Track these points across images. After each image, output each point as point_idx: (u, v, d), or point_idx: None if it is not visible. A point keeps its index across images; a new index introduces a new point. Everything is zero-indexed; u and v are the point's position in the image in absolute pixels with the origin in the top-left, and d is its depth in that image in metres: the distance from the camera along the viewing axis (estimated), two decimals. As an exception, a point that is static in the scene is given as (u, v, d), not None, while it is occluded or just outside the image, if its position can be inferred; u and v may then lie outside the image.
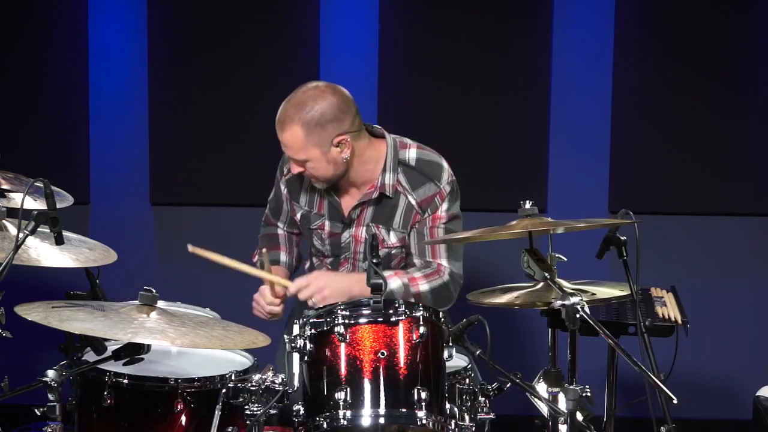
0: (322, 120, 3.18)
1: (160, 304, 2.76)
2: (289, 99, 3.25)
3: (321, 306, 2.81)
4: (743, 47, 4.62)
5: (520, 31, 4.66)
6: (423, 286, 3.28)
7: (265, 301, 3.32)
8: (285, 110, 3.23)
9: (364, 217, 3.39)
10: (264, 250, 3.32)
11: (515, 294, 3.01)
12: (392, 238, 3.37)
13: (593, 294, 3.04)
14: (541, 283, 2.90)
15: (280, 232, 3.59)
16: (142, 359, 2.71)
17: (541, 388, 2.90)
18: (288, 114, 3.21)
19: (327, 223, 3.43)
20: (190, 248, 3.20)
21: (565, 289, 2.74)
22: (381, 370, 2.59)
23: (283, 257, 3.56)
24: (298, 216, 3.49)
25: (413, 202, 3.34)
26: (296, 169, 3.30)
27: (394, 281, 3.24)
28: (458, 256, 3.38)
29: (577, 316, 2.66)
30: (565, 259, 3.06)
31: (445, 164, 3.37)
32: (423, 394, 2.58)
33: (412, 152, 3.37)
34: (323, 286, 3.21)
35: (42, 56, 4.77)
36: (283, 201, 3.54)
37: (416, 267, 3.36)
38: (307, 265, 3.62)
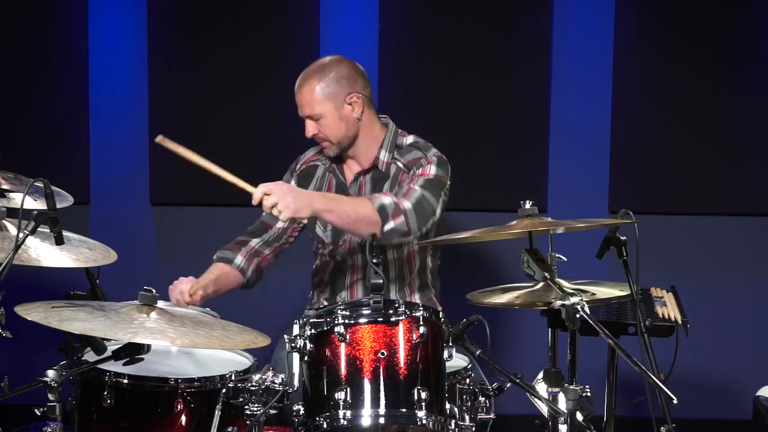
0: (337, 76, 3.44)
1: (160, 304, 2.75)
2: (308, 66, 3.49)
3: (284, 219, 3.10)
4: (743, 47, 4.61)
5: (520, 31, 4.66)
6: (406, 204, 3.32)
7: (184, 286, 3.34)
8: (303, 73, 3.48)
9: (363, 194, 3.47)
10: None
11: (515, 294, 3.01)
12: None
13: (593, 294, 3.04)
14: (541, 283, 2.90)
15: (252, 243, 3.60)
16: (142, 359, 2.71)
17: (541, 388, 2.90)
18: (306, 74, 3.47)
19: None
20: (158, 139, 3.27)
21: (565, 289, 2.74)
22: (381, 370, 2.60)
23: (239, 260, 3.54)
24: None
25: (401, 165, 3.48)
26: (310, 131, 3.46)
27: (386, 197, 3.31)
28: (435, 192, 3.40)
29: (577, 316, 2.66)
30: (565, 259, 3.06)
31: (435, 149, 3.50)
32: (423, 394, 2.58)
33: (409, 138, 3.55)
34: (286, 191, 3.17)
35: (42, 56, 4.76)
36: None
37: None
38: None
